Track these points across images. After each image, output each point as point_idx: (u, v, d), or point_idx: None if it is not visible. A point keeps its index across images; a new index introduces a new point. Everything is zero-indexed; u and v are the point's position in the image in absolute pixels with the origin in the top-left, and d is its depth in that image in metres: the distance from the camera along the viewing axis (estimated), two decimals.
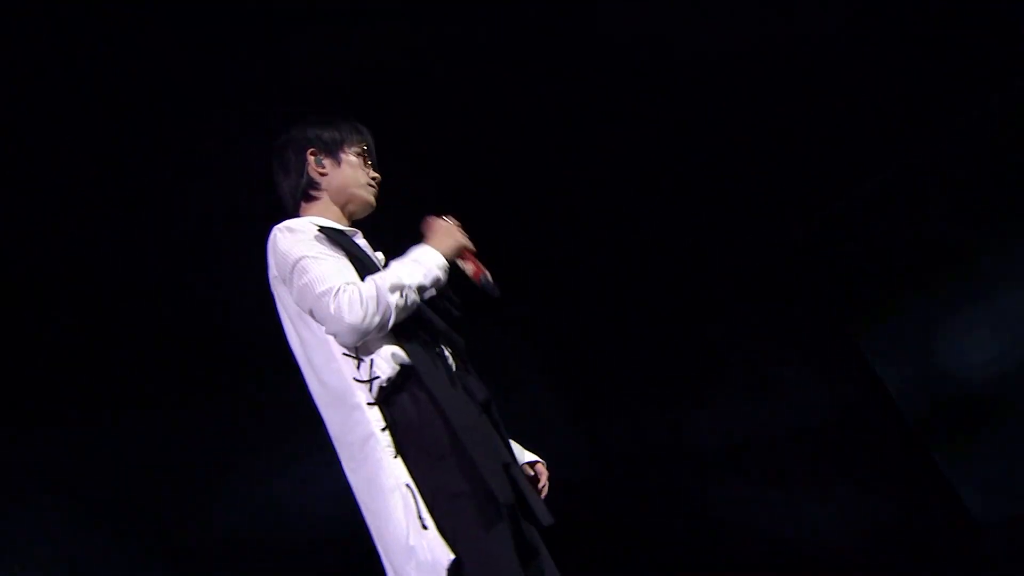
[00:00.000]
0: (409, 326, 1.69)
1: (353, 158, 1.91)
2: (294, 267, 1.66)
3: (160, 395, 3.92)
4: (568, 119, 3.92)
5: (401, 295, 1.65)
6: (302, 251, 1.68)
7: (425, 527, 1.53)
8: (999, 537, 4.92)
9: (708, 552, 4.82)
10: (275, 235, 1.73)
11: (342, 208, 1.91)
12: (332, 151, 1.90)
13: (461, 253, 1.82)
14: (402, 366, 1.64)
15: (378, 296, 1.62)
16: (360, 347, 1.64)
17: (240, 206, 3.62)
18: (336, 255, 1.69)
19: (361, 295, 1.61)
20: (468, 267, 1.83)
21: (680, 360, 5.20)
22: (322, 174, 1.89)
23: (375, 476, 1.58)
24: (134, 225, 3.44)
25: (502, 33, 3.19)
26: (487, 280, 1.82)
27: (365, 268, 1.71)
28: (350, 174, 1.90)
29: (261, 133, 3.23)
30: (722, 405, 5.18)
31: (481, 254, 1.92)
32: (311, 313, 1.66)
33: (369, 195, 1.93)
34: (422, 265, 1.73)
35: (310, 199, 1.89)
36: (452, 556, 1.50)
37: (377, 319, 1.60)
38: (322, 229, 1.73)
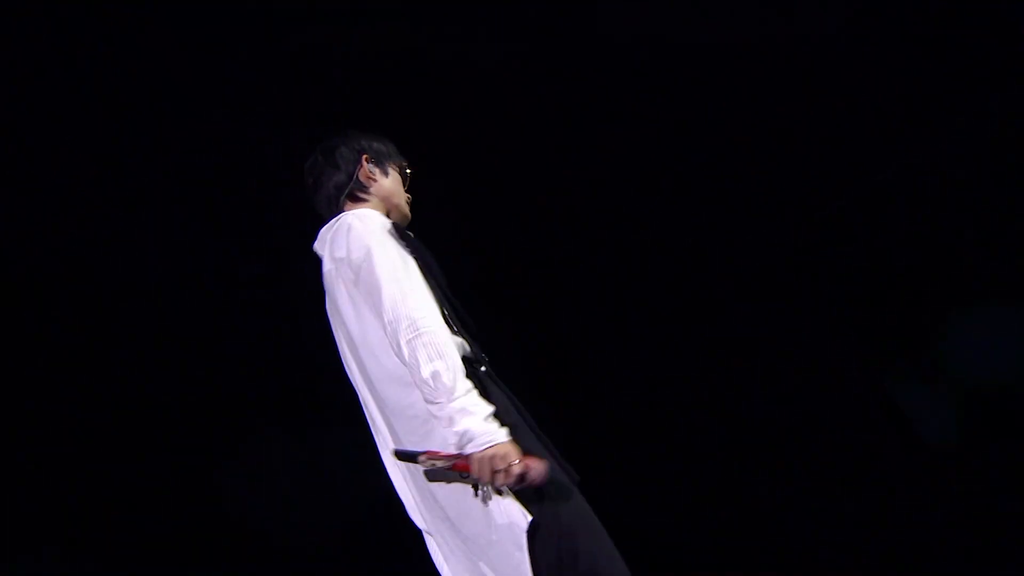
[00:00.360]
0: (462, 332, 1.76)
1: (396, 173, 2.03)
2: (368, 252, 1.72)
3: (159, 395, 3.92)
4: (568, 119, 3.92)
5: (434, 372, 1.60)
6: (378, 239, 1.75)
7: (500, 492, 1.59)
8: (997, 534, 4.91)
9: (708, 552, 4.82)
10: (350, 220, 1.81)
11: (386, 215, 1.99)
12: (381, 162, 2.01)
13: (466, 465, 1.57)
14: (464, 357, 1.70)
15: (438, 347, 1.62)
16: None
17: (241, 205, 3.62)
18: (404, 254, 1.76)
19: (431, 326, 1.64)
20: (443, 462, 1.58)
21: (680, 360, 5.19)
22: (371, 179, 1.98)
23: (444, 448, 1.63)
24: (134, 225, 3.45)
25: (502, 33, 3.19)
26: (424, 462, 1.59)
27: (427, 265, 1.79)
28: (394, 186, 2.02)
29: (261, 133, 3.23)
30: (722, 405, 5.18)
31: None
32: (371, 296, 1.72)
33: (407, 209, 2.05)
34: (469, 415, 1.59)
35: (357, 200, 1.97)
36: (530, 517, 1.57)
37: (422, 351, 1.62)
38: (395, 224, 1.84)
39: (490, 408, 1.60)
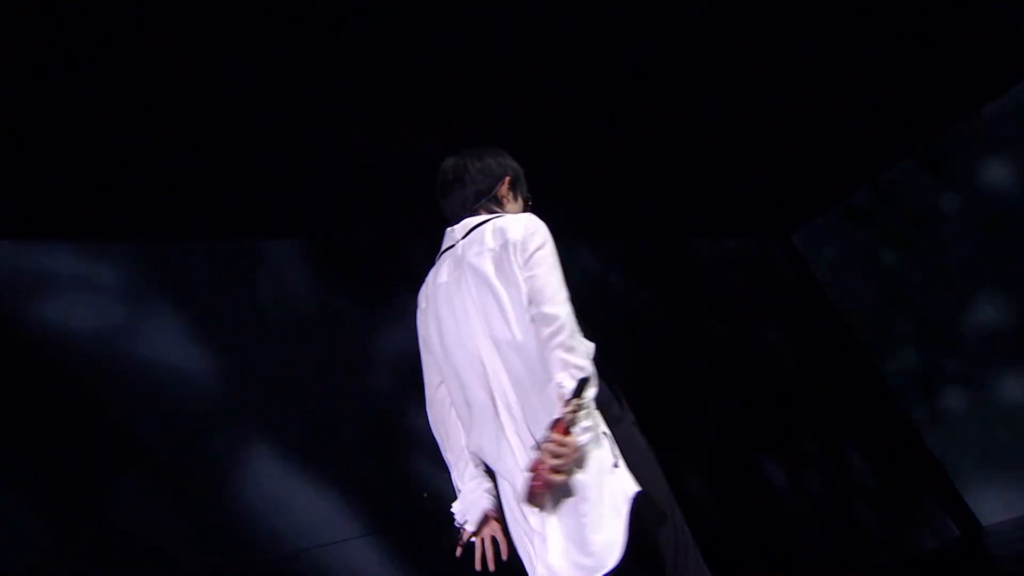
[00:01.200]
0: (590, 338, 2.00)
1: (523, 201, 2.25)
2: (547, 250, 1.99)
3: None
4: (567, 119, 3.93)
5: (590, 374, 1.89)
6: (553, 244, 2.01)
7: (616, 465, 1.84)
8: (1001, 538, 4.92)
9: (707, 552, 4.83)
10: (533, 218, 2.06)
11: None
12: (516, 187, 2.24)
13: (565, 430, 1.83)
14: (593, 360, 1.96)
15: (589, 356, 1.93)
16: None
17: (243, 205, 3.63)
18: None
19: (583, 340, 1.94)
20: (555, 423, 1.83)
21: (680, 359, 5.20)
22: (506, 199, 2.20)
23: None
24: (134, 225, 3.45)
25: (501, 31, 3.20)
26: (566, 412, 1.83)
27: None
28: (520, 211, 2.21)
29: (263, 133, 3.23)
30: (722, 405, 5.19)
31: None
32: (536, 281, 1.95)
33: None
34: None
35: (489, 212, 2.15)
36: (638, 488, 1.81)
37: (583, 355, 1.92)
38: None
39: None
